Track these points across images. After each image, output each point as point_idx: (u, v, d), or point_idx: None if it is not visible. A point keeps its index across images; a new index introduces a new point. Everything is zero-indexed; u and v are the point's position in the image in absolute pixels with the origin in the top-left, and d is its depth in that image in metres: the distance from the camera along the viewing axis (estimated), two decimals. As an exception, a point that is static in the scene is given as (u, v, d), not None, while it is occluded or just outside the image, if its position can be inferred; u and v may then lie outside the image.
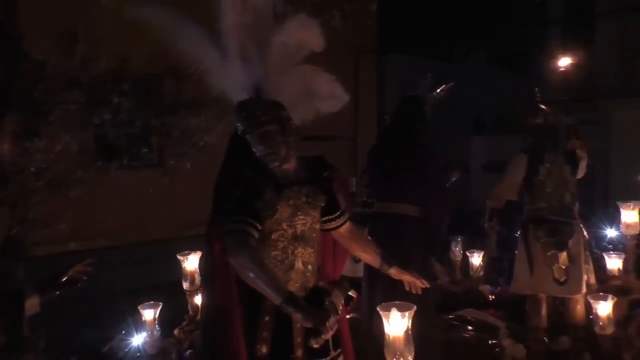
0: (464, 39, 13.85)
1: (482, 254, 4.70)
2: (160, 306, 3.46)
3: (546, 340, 3.83)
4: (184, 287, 3.41)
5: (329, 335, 2.00)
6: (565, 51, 10.29)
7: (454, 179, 4.51)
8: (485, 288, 4.75)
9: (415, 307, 2.19)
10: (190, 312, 3.41)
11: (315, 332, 1.97)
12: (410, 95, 3.59)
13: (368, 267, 3.46)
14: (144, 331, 3.38)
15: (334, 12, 7.14)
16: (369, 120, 10.90)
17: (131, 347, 3.36)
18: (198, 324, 3.32)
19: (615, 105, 10.14)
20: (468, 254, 4.71)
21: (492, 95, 13.16)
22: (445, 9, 13.37)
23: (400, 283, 2.62)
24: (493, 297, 4.74)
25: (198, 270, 3.39)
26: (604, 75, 10.20)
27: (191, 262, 3.41)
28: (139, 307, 3.43)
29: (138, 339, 3.38)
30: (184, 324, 3.44)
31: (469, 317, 4.31)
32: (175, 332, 3.38)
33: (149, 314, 3.42)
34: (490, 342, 4.04)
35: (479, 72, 13.62)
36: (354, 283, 2.65)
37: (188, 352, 3.38)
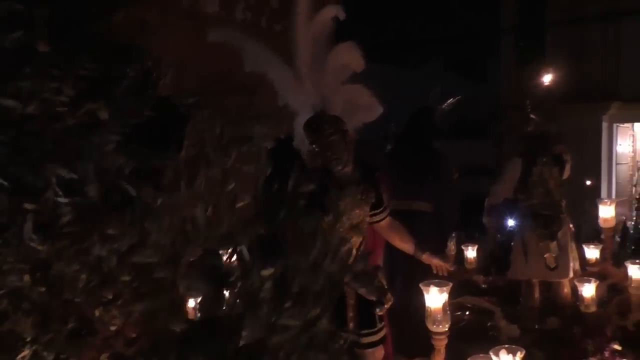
0: (420, 46, 14.39)
1: (476, 247, 5.22)
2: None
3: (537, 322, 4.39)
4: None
5: (389, 305, 2.48)
6: (516, 59, 10.86)
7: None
8: (479, 278, 5.28)
9: (451, 284, 2.68)
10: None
11: (378, 303, 2.45)
12: (422, 106, 4.09)
13: (387, 253, 3.93)
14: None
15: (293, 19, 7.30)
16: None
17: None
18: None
19: (564, 112, 10.78)
20: (463, 248, 5.23)
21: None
22: (402, 16, 13.92)
23: (418, 268, 3.13)
24: (485, 285, 5.29)
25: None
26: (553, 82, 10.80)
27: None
28: None
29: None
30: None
31: (467, 304, 4.84)
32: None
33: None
34: (487, 324, 4.59)
35: (435, 79, 14.17)
36: None
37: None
